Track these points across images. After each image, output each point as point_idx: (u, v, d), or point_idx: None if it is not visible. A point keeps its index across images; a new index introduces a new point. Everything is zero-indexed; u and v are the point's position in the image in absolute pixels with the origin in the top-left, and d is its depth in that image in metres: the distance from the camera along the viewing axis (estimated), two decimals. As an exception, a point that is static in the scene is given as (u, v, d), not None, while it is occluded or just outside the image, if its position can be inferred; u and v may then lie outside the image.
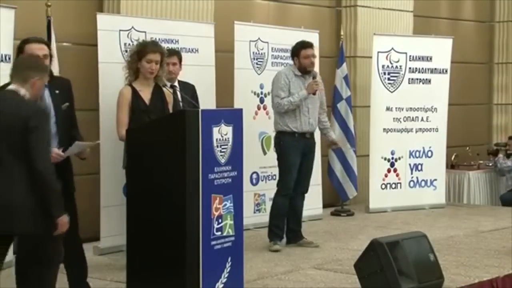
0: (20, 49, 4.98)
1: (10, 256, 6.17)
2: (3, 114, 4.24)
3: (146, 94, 5.86)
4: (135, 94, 5.83)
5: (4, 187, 4.21)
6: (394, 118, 9.40)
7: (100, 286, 5.75)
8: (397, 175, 9.44)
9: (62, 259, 4.76)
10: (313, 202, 8.47)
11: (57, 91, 4.98)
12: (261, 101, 8.14)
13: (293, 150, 6.95)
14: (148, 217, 5.03)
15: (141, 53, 5.82)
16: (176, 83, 6.56)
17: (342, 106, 9.09)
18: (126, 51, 6.70)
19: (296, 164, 6.97)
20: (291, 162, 6.96)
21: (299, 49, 7.04)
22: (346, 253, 6.86)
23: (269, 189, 7.27)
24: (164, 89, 5.93)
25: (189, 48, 7.34)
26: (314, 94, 6.95)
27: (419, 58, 9.51)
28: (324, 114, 7.29)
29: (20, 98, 4.31)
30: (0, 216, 4.21)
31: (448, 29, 11.26)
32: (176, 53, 6.64)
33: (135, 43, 6.55)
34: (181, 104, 6.21)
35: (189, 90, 6.61)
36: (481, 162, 11.02)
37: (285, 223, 7.14)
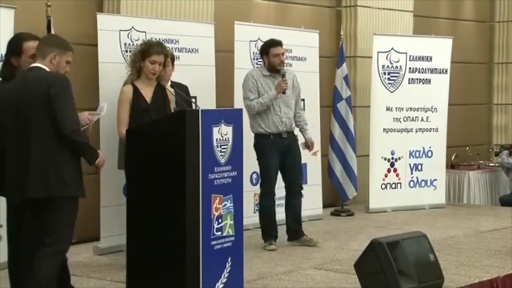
0: (14, 45, 4.96)
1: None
2: (28, 88, 4.54)
3: (147, 93, 5.87)
4: (136, 92, 5.84)
5: (38, 156, 4.52)
6: (394, 118, 9.40)
7: (100, 286, 5.75)
8: (397, 175, 9.44)
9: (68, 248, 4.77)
10: (313, 202, 8.48)
11: None
12: (261, 101, 8.14)
13: (270, 152, 6.91)
14: (148, 217, 5.03)
15: (145, 53, 5.83)
16: (168, 84, 6.53)
17: (342, 106, 9.09)
18: (126, 51, 6.71)
19: (275, 166, 6.94)
20: (269, 165, 6.94)
21: (268, 47, 6.99)
22: (346, 253, 6.86)
23: (269, 189, 7.26)
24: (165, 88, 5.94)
25: (189, 48, 7.35)
26: (283, 93, 6.91)
27: (419, 58, 9.51)
28: (301, 112, 7.22)
29: (41, 71, 4.60)
30: (34, 182, 4.52)
31: (448, 29, 11.26)
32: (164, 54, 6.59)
33: (135, 43, 6.56)
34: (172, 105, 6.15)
35: (182, 91, 6.59)
36: (481, 162, 11.03)
37: (277, 222, 7.11)
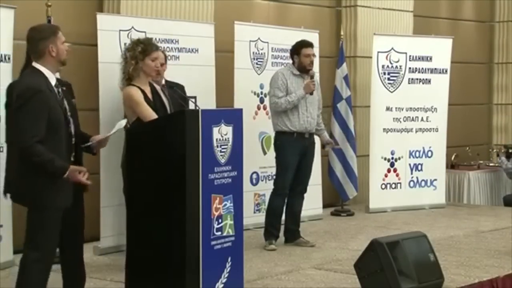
0: None
1: (10, 256, 6.20)
2: (11, 93, 4.50)
3: (148, 94, 5.86)
4: (143, 93, 5.80)
5: (13, 162, 4.40)
6: (394, 118, 9.40)
7: (100, 286, 5.75)
8: (397, 175, 9.44)
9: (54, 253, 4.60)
10: (313, 202, 8.47)
11: (64, 88, 4.91)
12: (261, 101, 8.15)
13: (290, 150, 6.96)
14: (147, 217, 5.02)
15: (145, 52, 5.81)
16: (163, 82, 6.51)
17: (342, 106, 9.10)
18: (126, 51, 6.70)
19: (292, 165, 6.98)
20: (288, 162, 6.97)
21: (300, 47, 7.06)
22: (346, 253, 6.86)
23: (269, 189, 7.27)
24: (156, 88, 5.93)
25: (189, 48, 7.35)
26: (311, 94, 6.97)
27: (419, 58, 9.51)
28: (320, 115, 7.30)
29: (24, 77, 4.41)
30: (13, 187, 4.43)
31: (448, 29, 11.26)
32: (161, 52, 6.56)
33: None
34: (166, 103, 6.10)
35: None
36: (481, 162, 11.02)
37: (282, 223, 7.15)
